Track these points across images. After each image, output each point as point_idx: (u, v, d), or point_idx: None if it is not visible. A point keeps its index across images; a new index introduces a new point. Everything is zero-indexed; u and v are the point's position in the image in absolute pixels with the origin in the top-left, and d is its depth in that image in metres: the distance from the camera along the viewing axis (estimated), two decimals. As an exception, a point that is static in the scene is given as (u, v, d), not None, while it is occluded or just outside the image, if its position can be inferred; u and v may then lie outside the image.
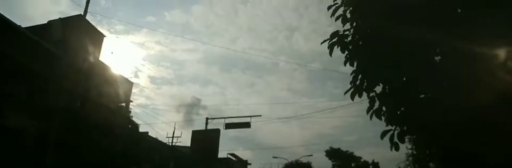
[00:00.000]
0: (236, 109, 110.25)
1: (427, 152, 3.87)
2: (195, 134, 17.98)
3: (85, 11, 16.14)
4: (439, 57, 3.42)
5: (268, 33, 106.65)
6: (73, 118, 15.86)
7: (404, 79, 3.40)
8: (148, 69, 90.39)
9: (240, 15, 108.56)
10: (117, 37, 61.26)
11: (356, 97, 3.63)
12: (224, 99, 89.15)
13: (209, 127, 18.97)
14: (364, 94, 3.58)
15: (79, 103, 18.41)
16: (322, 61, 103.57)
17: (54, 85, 15.94)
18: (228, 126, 19.80)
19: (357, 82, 3.59)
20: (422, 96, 3.40)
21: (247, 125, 20.19)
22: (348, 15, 3.80)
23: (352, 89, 3.61)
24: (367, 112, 3.52)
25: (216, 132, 17.51)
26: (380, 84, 3.49)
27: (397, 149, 3.38)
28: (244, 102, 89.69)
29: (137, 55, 73.89)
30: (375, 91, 3.52)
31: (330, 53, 3.77)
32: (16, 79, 14.51)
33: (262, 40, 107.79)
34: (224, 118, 19.40)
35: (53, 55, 16.61)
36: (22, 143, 13.81)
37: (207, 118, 19.24)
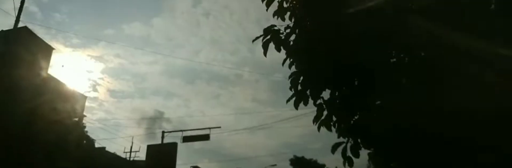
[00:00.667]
0: (201, 121, 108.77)
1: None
2: (151, 148, 17.30)
3: (17, 21, 15.11)
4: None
5: (231, 45, 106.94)
6: (15, 137, 14.81)
7: (357, 82, 2.95)
8: (108, 82, 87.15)
9: (202, 28, 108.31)
10: (73, 50, 58.86)
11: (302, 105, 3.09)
12: (188, 111, 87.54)
13: (168, 140, 18.42)
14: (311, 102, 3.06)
15: (24, 121, 17.27)
16: (285, 71, 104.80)
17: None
18: (186, 139, 19.21)
19: (299, 87, 3.03)
20: (378, 102, 2.89)
21: (206, 137, 19.69)
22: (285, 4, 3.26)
23: (294, 97, 3.05)
24: (314, 122, 3.04)
25: (173, 145, 16.93)
26: (327, 89, 3.01)
27: (351, 164, 2.96)
28: (209, 113, 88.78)
29: (95, 68, 71.30)
30: (322, 97, 3.02)
31: (265, 53, 3.22)
32: None
33: (225, 52, 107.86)
34: (182, 131, 18.87)
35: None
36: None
37: (163, 132, 18.59)
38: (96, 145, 25.66)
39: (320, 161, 44.88)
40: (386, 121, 2.66)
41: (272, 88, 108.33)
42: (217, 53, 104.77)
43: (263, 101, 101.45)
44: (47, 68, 19.69)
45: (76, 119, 23.05)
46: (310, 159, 43.77)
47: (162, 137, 18.16)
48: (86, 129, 24.77)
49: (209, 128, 20.28)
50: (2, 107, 14.96)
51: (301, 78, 3.03)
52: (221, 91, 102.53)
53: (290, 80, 3.07)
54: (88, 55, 68.68)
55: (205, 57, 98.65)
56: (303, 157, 43.92)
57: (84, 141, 24.12)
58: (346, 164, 2.94)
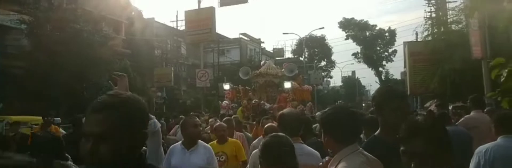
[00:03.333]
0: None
1: None
2: (188, 14, 17.50)
3: None
4: None
5: None
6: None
7: None
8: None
9: None
10: None
11: None
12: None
13: (202, 6, 18.31)
14: None
15: None
16: None
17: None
18: (223, 2, 18.93)
19: None
20: None
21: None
22: None
23: None
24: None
25: (210, 9, 16.97)
26: None
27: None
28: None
29: None
30: None
31: None
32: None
33: None
34: (218, -6, 18.40)
35: None
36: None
37: (199, -4, 18.36)
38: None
39: (372, 22, 43.47)
40: None
41: None
42: None
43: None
44: None
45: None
46: (361, 20, 42.71)
47: (199, 1, 18.05)
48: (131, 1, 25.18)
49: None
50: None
51: None
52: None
53: None
54: None
55: None
56: (353, 19, 42.89)
57: (132, 12, 25.00)
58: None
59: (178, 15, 27.15)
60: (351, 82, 52.74)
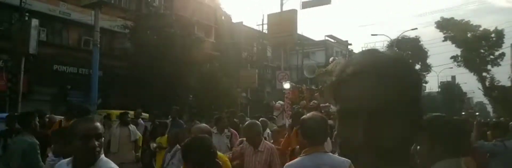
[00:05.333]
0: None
1: None
2: (271, 18, 17.77)
3: None
4: None
5: None
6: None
7: None
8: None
9: None
10: None
11: None
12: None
13: (285, 8, 18.48)
14: None
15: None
16: None
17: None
18: (305, 4, 18.81)
19: None
20: None
21: (326, 1, 18.86)
22: None
23: None
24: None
25: (293, 13, 17.03)
26: None
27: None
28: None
29: None
30: None
31: None
32: None
33: None
34: (300, -4, 18.37)
35: None
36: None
37: (281, -1, 18.55)
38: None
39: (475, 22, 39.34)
40: None
41: None
42: None
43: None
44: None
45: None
46: (461, 20, 38.91)
47: (281, 4, 18.35)
48: (221, 6, 26.57)
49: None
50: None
51: None
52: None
53: None
54: None
55: None
56: (452, 18, 39.31)
57: (222, 17, 26.32)
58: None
59: (264, 19, 27.80)
60: (450, 88, 48.34)
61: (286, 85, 11.28)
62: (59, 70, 15.25)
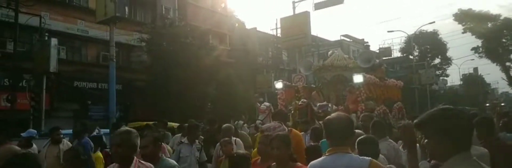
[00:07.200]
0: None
1: None
2: (284, 21, 17.78)
3: None
4: None
5: None
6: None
7: None
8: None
9: None
10: None
11: None
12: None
13: (298, 11, 18.43)
14: None
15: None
16: None
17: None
18: (318, 6, 18.71)
19: None
20: None
21: (338, 1, 18.71)
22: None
23: None
24: None
25: (305, 14, 16.99)
26: None
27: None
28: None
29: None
30: None
31: None
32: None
33: None
34: (313, -3, 18.15)
35: None
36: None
37: (293, 2, 18.47)
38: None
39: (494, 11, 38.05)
40: None
41: None
42: None
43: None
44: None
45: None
46: (480, 11, 37.89)
47: (293, 7, 18.31)
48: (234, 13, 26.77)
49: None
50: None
51: None
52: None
53: None
54: None
55: None
56: (470, 9, 38.30)
57: (236, 24, 26.53)
58: None
59: (277, 23, 27.87)
60: (472, 80, 47.02)
61: (278, 85, 10.41)
62: (80, 86, 15.74)
